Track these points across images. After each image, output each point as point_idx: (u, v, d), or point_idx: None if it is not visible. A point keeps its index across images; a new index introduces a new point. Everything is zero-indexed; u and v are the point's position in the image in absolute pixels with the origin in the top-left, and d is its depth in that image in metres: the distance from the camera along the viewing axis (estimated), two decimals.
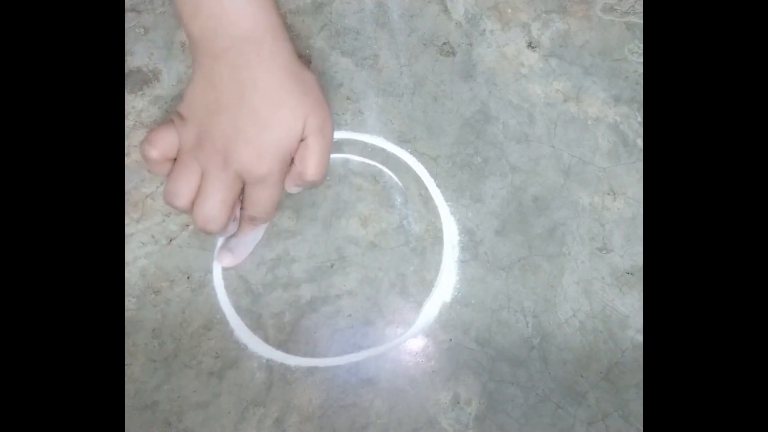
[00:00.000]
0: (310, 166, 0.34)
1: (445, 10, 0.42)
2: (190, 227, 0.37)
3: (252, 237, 0.37)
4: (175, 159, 0.34)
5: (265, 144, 0.33)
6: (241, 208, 0.36)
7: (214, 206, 0.33)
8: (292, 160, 0.35)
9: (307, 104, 0.33)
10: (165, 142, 0.34)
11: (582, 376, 0.37)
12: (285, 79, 0.33)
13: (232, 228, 0.36)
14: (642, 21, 0.42)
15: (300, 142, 0.34)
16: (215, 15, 0.31)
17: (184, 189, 0.33)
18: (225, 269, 0.37)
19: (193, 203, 0.34)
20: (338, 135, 0.39)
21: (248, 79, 0.32)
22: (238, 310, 0.37)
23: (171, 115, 0.34)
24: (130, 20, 0.40)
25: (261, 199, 0.34)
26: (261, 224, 0.36)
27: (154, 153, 0.33)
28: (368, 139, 0.39)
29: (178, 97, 0.38)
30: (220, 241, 0.37)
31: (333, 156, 0.39)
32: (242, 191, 0.35)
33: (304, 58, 0.39)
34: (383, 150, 0.39)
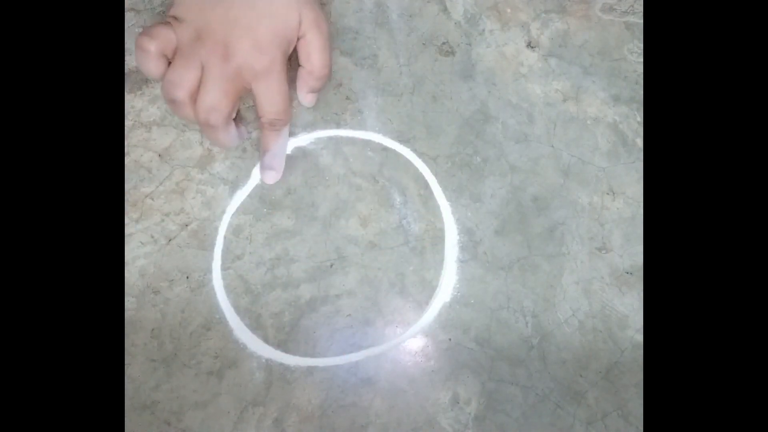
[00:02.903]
0: (315, 60, 0.35)
1: (445, 9, 0.42)
2: (190, 227, 0.37)
3: (281, 145, 0.37)
4: (170, 61, 0.34)
5: (263, 33, 0.32)
6: (259, 119, 0.36)
7: (216, 96, 0.33)
8: (297, 65, 0.35)
9: None
10: (163, 37, 0.33)
11: (581, 376, 0.37)
12: None
13: (235, 136, 0.36)
14: (641, 21, 0.42)
15: (299, 41, 0.34)
16: None
17: (184, 79, 0.33)
18: (270, 184, 0.38)
19: (192, 97, 0.33)
20: (339, 133, 0.39)
21: None
22: (238, 310, 0.37)
23: (167, 19, 0.34)
24: (129, 20, 0.40)
25: (271, 94, 0.34)
26: (282, 126, 0.36)
27: (152, 46, 0.32)
28: (367, 136, 0.39)
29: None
30: (256, 168, 0.38)
31: (334, 154, 0.39)
32: (250, 95, 0.35)
33: None
34: (383, 149, 0.39)
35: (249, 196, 0.38)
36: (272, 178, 0.37)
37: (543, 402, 0.36)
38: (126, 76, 0.39)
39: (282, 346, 0.36)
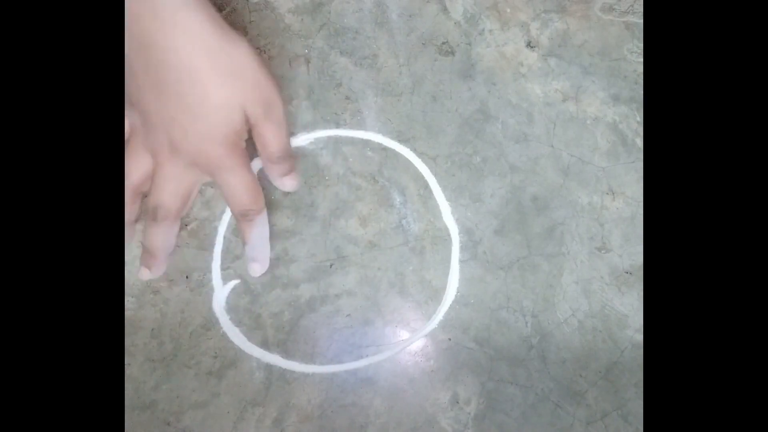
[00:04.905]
0: (271, 146, 0.32)
1: (444, 9, 0.42)
2: (189, 227, 0.37)
3: (259, 234, 0.35)
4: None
5: (204, 133, 0.30)
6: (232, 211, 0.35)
7: (162, 196, 0.32)
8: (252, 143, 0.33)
9: (239, 88, 0.30)
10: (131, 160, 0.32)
11: (581, 376, 0.37)
12: (203, 58, 0.28)
13: (172, 239, 0.34)
14: (641, 20, 0.42)
15: (251, 130, 0.32)
16: None
17: (132, 173, 0.32)
18: (260, 276, 0.37)
19: (135, 190, 0.32)
20: (338, 132, 0.39)
21: (159, 60, 0.28)
22: (237, 309, 0.37)
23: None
24: None
25: (231, 188, 0.32)
26: (255, 216, 0.34)
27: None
28: (367, 136, 0.39)
29: None
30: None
31: (334, 154, 0.39)
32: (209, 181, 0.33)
33: (239, 28, 0.35)
34: (383, 149, 0.39)
35: None
36: (257, 270, 0.35)
37: (542, 402, 0.36)
38: None
39: (281, 345, 0.36)
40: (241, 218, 0.34)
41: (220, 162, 0.31)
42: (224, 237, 0.37)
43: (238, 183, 0.32)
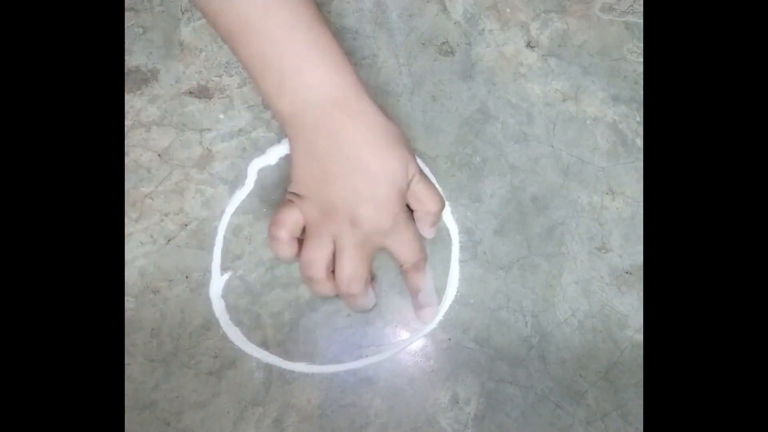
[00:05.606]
0: (428, 203, 0.35)
1: (444, 9, 0.42)
2: (189, 227, 0.37)
3: (428, 279, 0.37)
4: (300, 240, 0.35)
5: (383, 196, 0.33)
6: (400, 267, 0.36)
7: (353, 266, 0.34)
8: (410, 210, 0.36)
9: (405, 151, 0.34)
10: (291, 221, 0.34)
11: (581, 376, 0.37)
12: (382, 132, 0.34)
13: (372, 297, 0.36)
14: (640, 20, 0.42)
15: (408, 189, 0.35)
16: (299, 88, 0.32)
17: (318, 258, 0.34)
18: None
19: (329, 274, 0.34)
20: None
21: (348, 141, 0.33)
22: (236, 309, 0.37)
23: (288, 197, 0.35)
24: (128, 19, 0.40)
25: (406, 245, 0.35)
26: (423, 264, 0.36)
27: (282, 233, 0.34)
28: None
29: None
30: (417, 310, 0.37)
31: None
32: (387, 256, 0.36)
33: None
34: None
35: (248, 195, 0.38)
36: (431, 314, 0.37)
37: (542, 402, 0.36)
38: (125, 76, 0.39)
39: (281, 345, 0.36)
40: (413, 270, 0.36)
41: (394, 222, 0.34)
42: (224, 237, 0.37)
43: (411, 237, 0.35)
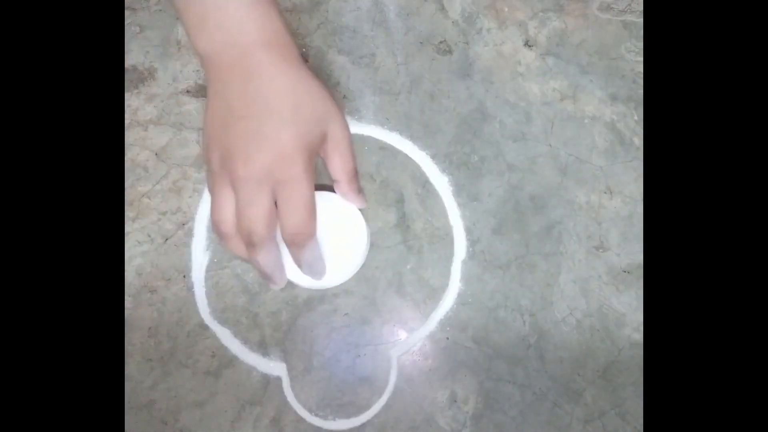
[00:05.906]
0: (336, 169, 0.33)
1: (442, 8, 0.42)
2: (186, 226, 0.37)
3: (310, 257, 0.33)
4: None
5: (286, 144, 0.30)
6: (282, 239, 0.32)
7: (251, 219, 0.31)
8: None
9: (326, 107, 0.32)
10: (227, 210, 0.31)
11: (579, 375, 0.37)
12: (302, 81, 0.31)
13: (279, 262, 0.33)
14: (638, 19, 0.42)
15: (323, 145, 0.32)
16: (221, 25, 0.30)
17: (224, 214, 0.31)
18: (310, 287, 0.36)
19: (236, 229, 0.31)
20: None
21: (263, 85, 0.31)
22: (234, 308, 0.37)
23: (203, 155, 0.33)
24: (125, 18, 0.40)
25: (290, 206, 0.31)
26: (306, 241, 0.32)
27: (223, 227, 0.31)
28: (365, 134, 0.39)
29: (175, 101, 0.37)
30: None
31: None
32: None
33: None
34: (381, 148, 0.39)
35: None
36: (311, 281, 0.35)
37: (540, 400, 0.36)
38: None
39: (279, 345, 0.36)
40: (291, 244, 0.32)
41: (292, 174, 0.30)
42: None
43: (300, 202, 0.31)
